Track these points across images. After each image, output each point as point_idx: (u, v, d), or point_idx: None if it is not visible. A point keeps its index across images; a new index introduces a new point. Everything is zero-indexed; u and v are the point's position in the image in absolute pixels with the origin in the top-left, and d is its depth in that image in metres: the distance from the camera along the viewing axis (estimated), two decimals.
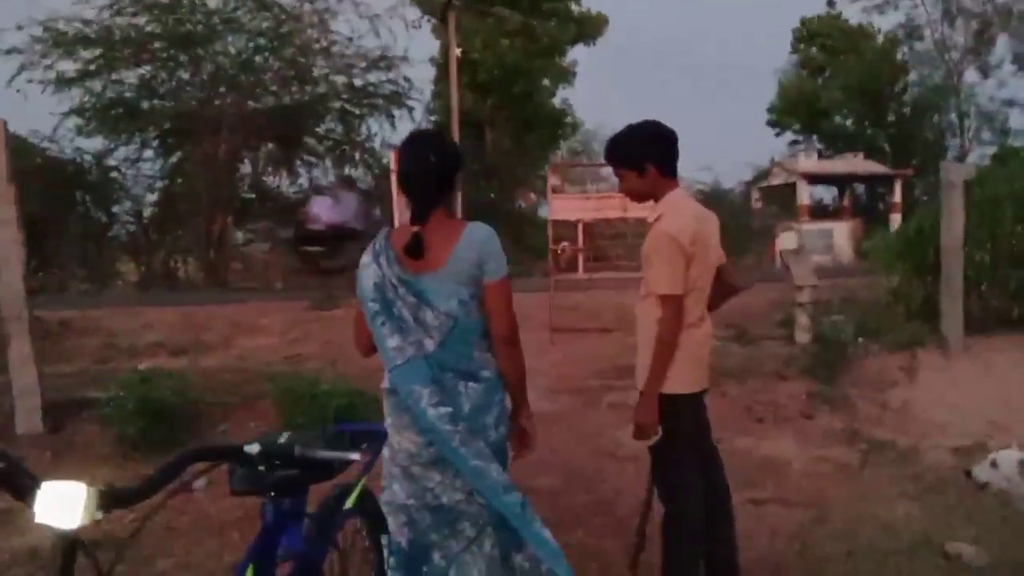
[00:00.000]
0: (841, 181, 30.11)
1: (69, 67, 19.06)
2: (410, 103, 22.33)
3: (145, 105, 20.88)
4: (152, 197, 22.66)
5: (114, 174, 22.09)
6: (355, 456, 1.69)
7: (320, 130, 22.63)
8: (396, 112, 22.53)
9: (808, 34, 34.61)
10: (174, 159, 22.37)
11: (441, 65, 23.02)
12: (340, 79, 21.43)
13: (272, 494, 1.68)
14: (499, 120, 23.18)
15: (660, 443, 3.15)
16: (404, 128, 22.18)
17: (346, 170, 23.90)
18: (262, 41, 20.40)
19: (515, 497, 2.34)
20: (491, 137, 24.55)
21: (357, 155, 22.27)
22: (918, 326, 7.71)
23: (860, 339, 8.09)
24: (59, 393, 6.39)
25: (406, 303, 2.38)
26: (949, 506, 4.50)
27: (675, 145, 3.20)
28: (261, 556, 1.62)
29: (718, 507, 3.37)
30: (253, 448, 1.50)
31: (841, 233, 23.74)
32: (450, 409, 2.32)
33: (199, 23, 19.62)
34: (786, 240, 22.36)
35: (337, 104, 22.67)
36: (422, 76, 25.49)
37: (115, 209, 22.82)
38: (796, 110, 33.82)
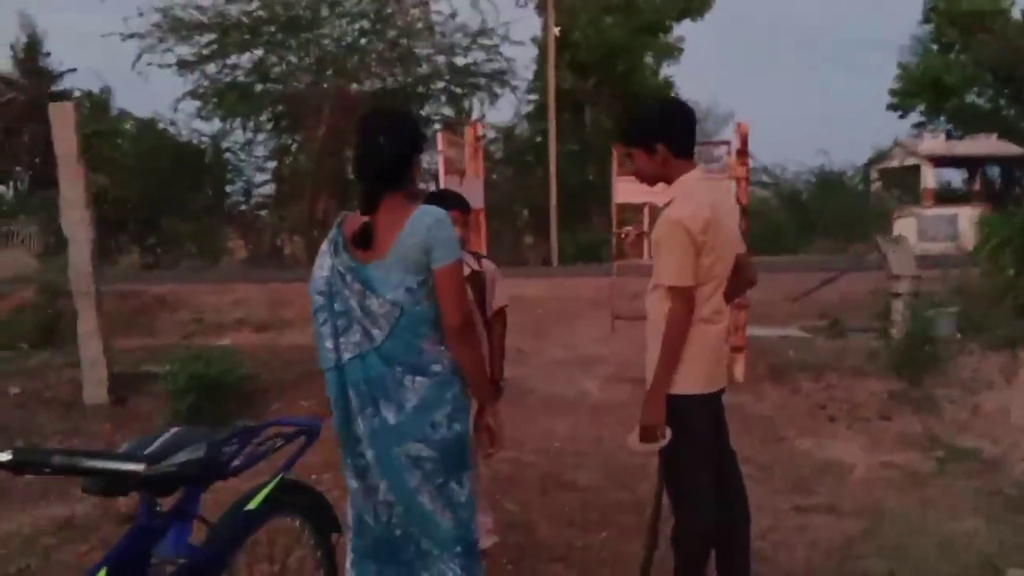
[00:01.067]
0: (972, 163, 28.03)
1: (186, 51, 19.98)
2: (513, 82, 22.32)
3: (258, 88, 21.67)
4: (263, 177, 23.58)
5: (228, 155, 23.12)
6: (133, 467, 1.56)
7: (425, 112, 22.86)
8: (499, 91, 22.58)
9: (937, 9, 32.25)
10: (284, 141, 23.15)
11: (542, 45, 22.76)
12: (441, 59, 21.56)
13: (148, 494, 1.59)
14: (600, 99, 22.77)
15: (669, 447, 2.91)
16: (507, 108, 22.25)
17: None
18: (365, 24, 20.73)
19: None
20: (591, 117, 24.18)
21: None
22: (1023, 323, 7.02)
23: (958, 335, 7.46)
24: (127, 366, 6.66)
25: (353, 292, 2.28)
26: (1023, 527, 4.02)
27: (690, 124, 2.94)
28: (122, 558, 1.53)
29: (733, 522, 3.10)
30: (4, 456, 1.43)
31: (967, 219, 22.03)
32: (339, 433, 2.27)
33: (306, 7, 20.12)
34: (902, 227, 21.21)
35: (440, 84, 22.88)
36: (527, 56, 25.21)
37: (228, 189, 23.92)
38: (922, 89, 31.62)
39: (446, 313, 2.26)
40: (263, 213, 24.25)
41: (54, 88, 33.04)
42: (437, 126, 22.88)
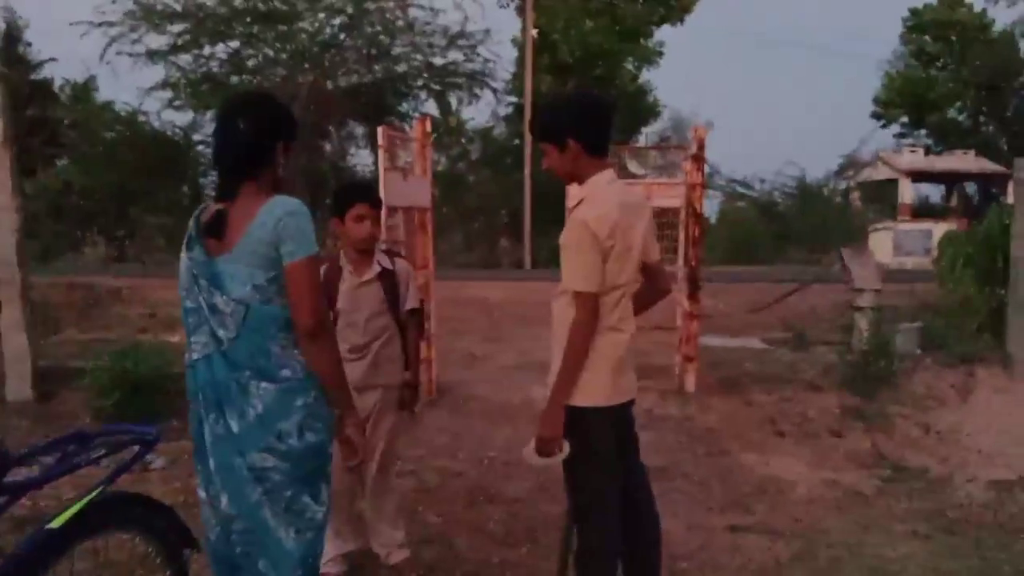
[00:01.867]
0: (951, 179, 28.13)
1: (158, 41, 19.64)
2: (492, 83, 22.18)
3: (233, 80, 21.36)
4: None
5: (201, 147, 22.79)
6: None
7: (404, 108, 22.68)
8: (478, 91, 22.45)
9: (920, 23, 32.42)
10: None
11: (522, 46, 22.62)
12: (419, 57, 21.38)
13: None
14: None
15: (571, 462, 2.73)
16: (485, 108, 22.23)
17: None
18: (343, 19, 20.50)
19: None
20: None
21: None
22: (982, 340, 6.90)
23: (918, 351, 7.33)
24: (62, 360, 6.41)
25: (201, 288, 2.12)
26: (960, 551, 3.87)
27: (605, 119, 2.78)
28: None
29: (640, 543, 2.91)
30: None
31: (942, 234, 22.12)
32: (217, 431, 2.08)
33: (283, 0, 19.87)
34: (877, 240, 21.20)
35: (419, 82, 22.72)
36: (507, 56, 25.12)
37: (201, 181, 23.58)
38: (904, 101, 31.77)
39: (297, 313, 2.06)
40: None
41: (34, 77, 32.71)
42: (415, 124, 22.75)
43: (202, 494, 2.11)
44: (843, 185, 27.66)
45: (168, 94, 20.87)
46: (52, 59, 29.35)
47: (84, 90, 28.68)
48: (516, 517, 4.24)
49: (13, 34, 29.42)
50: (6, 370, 5.78)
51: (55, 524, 1.64)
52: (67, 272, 13.91)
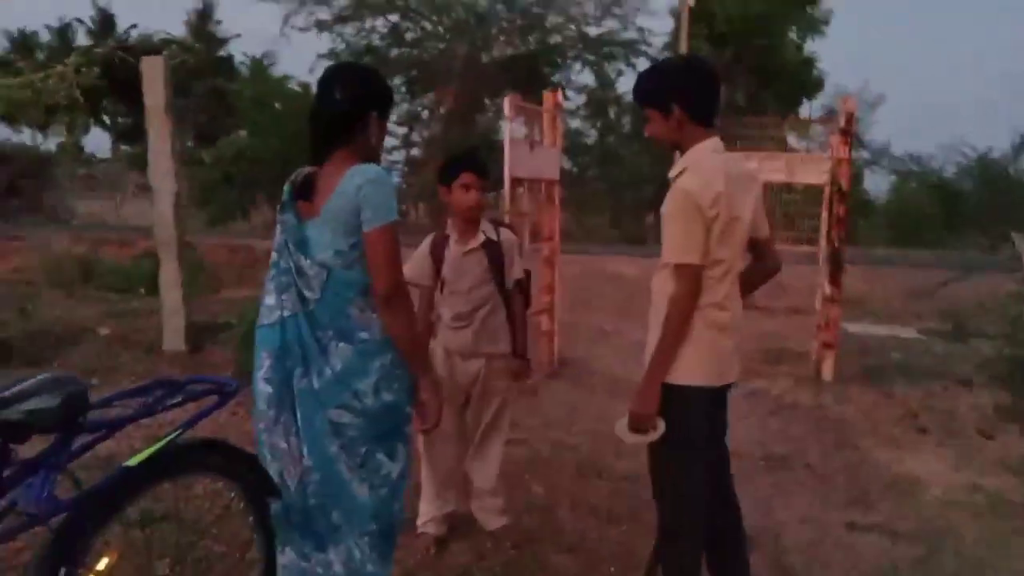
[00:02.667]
0: None
1: (325, 15, 20.63)
2: (648, 52, 21.79)
3: (393, 52, 22.12)
4: (392, 143, 24.09)
5: None
6: None
7: (557, 79, 22.64)
8: (633, 61, 22.13)
9: None
10: (415, 107, 23.55)
11: (678, 15, 21.96)
12: (573, 28, 21.29)
13: None
14: (736, 74, 21.74)
15: (661, 443, 2.65)
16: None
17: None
18: None
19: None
20: (725, 93, 23.12)
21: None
22: None
23: None
24: (208, 317, 6.91)
25: (291, 251, 2.20)
26: None
27: (713, 87, 2.64)
28: None
29: (725, 528, 2.81)
30: None
31: None
32: (270, 390, 2.18)
33: None
34: None
35: (572, 53, 22.64)
36: (665, 27, 24.59)
37: None
38: None
39: (375, 279, 2.12)
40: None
41: (221, 52, 35.28)
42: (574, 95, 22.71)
43: (283, 445, 2.19)
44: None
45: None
46: (236, 35, 31.53)
47: (260, 64, 30.52)
48: (621, 495, 4.18)
49: (206, 12, 31.89)
50: (164, 323, 6.29)
51: (132, 462, 1.77)
52: (237, 236, 14.97)
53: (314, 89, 2.32)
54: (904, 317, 9.40)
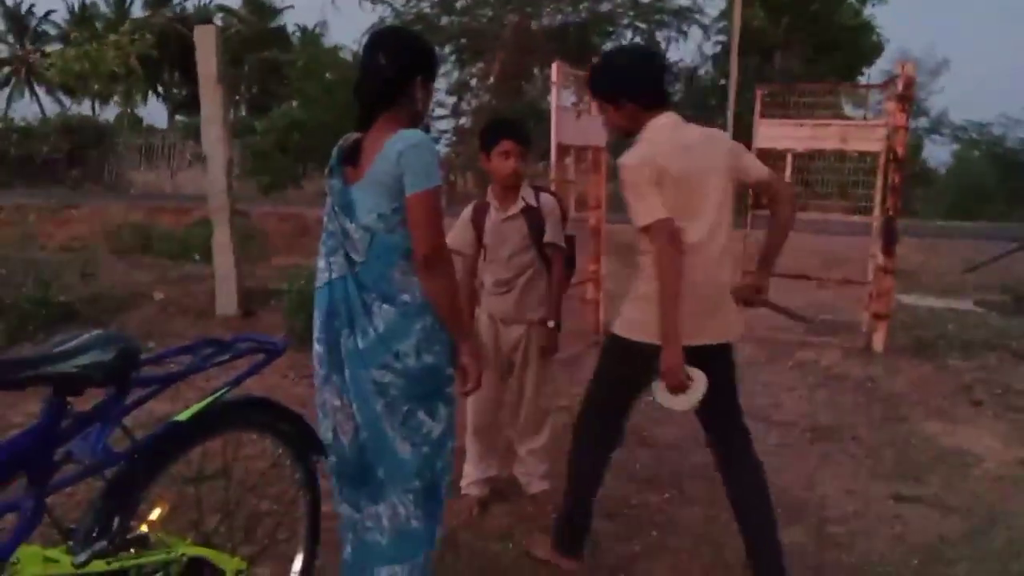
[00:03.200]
0: None
1: None
2: (702, 20, 21.35)
3: (443, 20, 22.02)
4: (441, 112, 24.09)
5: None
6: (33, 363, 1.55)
7: (609, 48, 22.31)
8: (686, 29, 21.71)
9: None
10: (463, 76, 23.46)
11: None
12: None
13: (51, 392, 1.60)
14: (793, 42, 21.19)
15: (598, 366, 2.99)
16: (692, 49, 21.59)
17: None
18: None
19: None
20: (780, 61, 22.57)
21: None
22: None
23: None
24: (264, 283, 7.05)
25: (338, 214, 2.25)
26: None
27: (655, 74, 2.81)
28: (15, 449, 1.55)
29: (745, 490, 2.88)
30: None
31: None
32: (321, 349, 2.27)
33: None
34: None
35: (624, 21, 22.27)
36: None
37: None
38: None
39: (415, 243, 2.14)
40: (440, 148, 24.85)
41: (274, 23, 35.65)
42: None
43: (336, 402, 2.26)
44: None
45: None
46: (290, 6, 31.65)
47: (313, 35, 30.77)
48: (663, 462, 4.19)
49: None
50: (217, 288, 6.44)
51: (181, 417, 1.83)
52: (289, 204, 15.17)
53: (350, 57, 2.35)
54: (960, 289, 9.16)
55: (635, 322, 2.72)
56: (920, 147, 25.27)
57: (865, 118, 9.12)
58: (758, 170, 2.80)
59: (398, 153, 2.10)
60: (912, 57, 24.48)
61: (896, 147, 5.92)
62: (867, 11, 22.76)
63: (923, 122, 26.49)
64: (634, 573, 3.08)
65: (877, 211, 6.35)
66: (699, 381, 2.62)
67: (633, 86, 2.71)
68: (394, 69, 2.21)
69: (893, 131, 5.94)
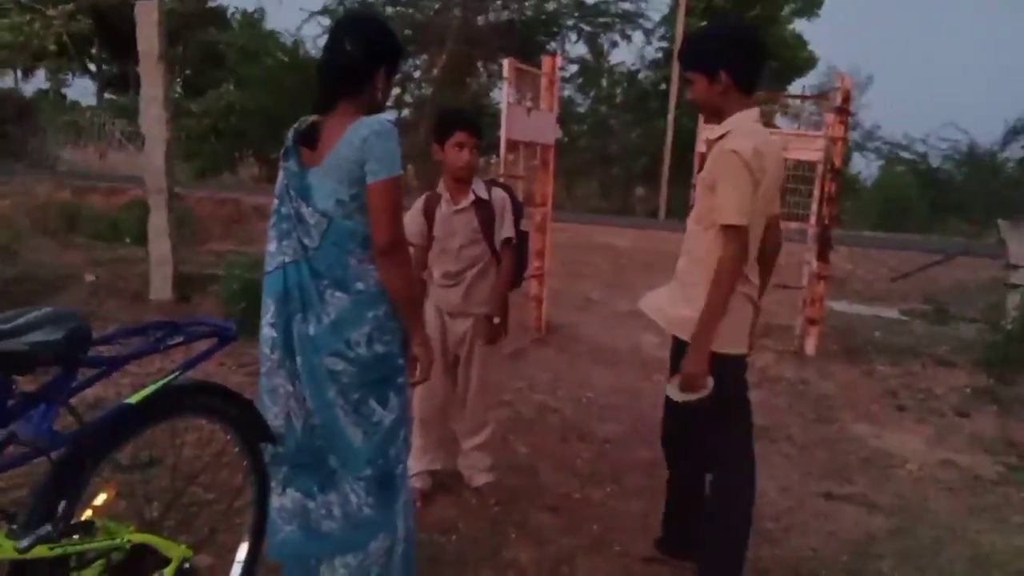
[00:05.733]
0: None
1: None
2: (646, 25, 21.63)
3: (389, 11, 21.79)
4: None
5: None
6: None
7: (552, 48, 22.45)
8: (629, 33, 21.98)
9: None
10: (407, 68, 23.25)
11: None
12: None
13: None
14: None
15: (715, 408, 2.65)
16: (634, 52, 21.83)
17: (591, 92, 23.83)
18: None
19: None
20: None
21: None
22: None
23: None
24: (200, 267, 6.87)
25: (292, 198, 2.21)
26: None
27: (760, 57, 2.64)
28: None
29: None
30: None
31: None
32: (274, 334, 2.22)
33: None
34: None
35: (569, 22, 22.43)
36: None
37: None
38: None
39: (375, 231, 2.13)
40: None
41: (212, 3, 34.59)
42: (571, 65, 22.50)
43: (289, 388, 2.22)
44: (1021, 153, 25.14)
45: (327, 21, 21.59)
46: None
47: (252, 18, 30.06)
48: (604, 457, 4.25)
49: None
50: (151, 272, 6.25)
51: (132, 400, 1.78)
52: (222, 188, 14.79)
53: (304, 45, 2.32)
54: (886, 298, 9.51)
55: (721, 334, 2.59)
56: (849, 159, 26.10)
57: (798, 129, 9.36)
58: (777, 205, 2.78)
59: (362, 139, 2.08)
60: (841, 72, 25.17)
61: (834, 157, 6.11)
62: (801, 26, 23.44)
63: (854, 135, 27.36)
64: (577, 566, 3.11)
65: (813, 219, 6.55)
66: (710, 384, 2.63)
67: (737, 60, 2.53)
68: (359, 57, 2.18)
69: (831, 142, 6.14)
